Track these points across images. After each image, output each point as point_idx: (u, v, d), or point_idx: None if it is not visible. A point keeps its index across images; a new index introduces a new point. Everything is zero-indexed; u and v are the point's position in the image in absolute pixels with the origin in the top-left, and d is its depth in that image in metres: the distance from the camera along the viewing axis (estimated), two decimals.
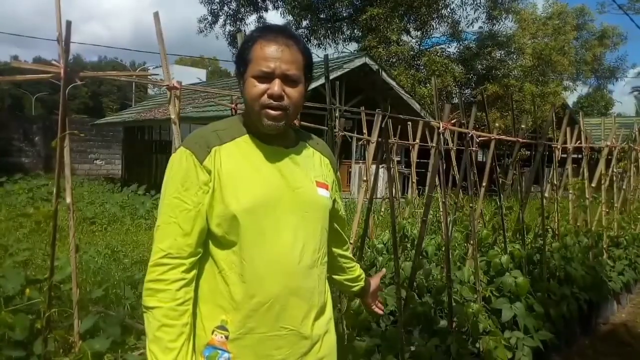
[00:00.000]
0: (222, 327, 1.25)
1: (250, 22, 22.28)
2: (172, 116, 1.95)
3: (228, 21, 21.81)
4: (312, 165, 1.40)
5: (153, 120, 14.53)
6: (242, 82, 1.31)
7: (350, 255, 1.68)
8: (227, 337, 1.24)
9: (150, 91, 31.63)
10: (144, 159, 16.02)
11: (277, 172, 1.30)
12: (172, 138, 2.07)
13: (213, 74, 51.34)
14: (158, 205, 1.29)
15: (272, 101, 1.25)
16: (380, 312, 1.83)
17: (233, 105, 2.33)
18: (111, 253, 6.01)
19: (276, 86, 1.25)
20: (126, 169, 17.56)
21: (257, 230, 1.25)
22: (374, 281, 1.77)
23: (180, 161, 1.25)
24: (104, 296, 3.48)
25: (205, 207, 1.24)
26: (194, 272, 1.26)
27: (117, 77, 2.17)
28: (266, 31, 1.30)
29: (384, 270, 1.98)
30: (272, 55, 1.25)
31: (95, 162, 20.48)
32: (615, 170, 6.26)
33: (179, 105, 1.96)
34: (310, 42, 20.58)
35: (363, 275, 1.71)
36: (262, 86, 1.26)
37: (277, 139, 1.33)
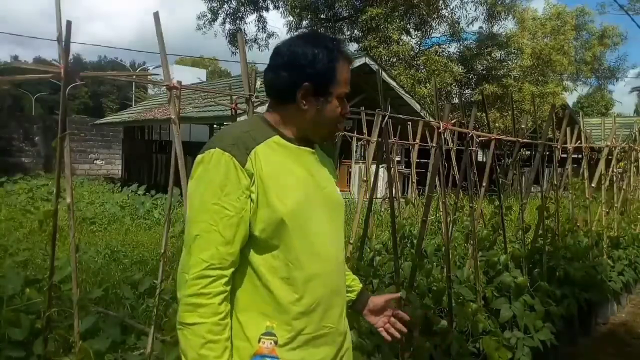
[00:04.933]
0: (269, 334, 1.22)
1: (250, 21, 22.30)
2: (172, 116, 1.95)
3: (228, 19, 21.79)
4: (329, 166, 1.44)
5: (153, 120, 14.52)
6: (323, 100, 1.29)
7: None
8: (275, 343, 1.22)
9: (150, 91, 31.58)
10: (144, 159, 16.01)
11: (307, 172, 1.31)
12: (172, 138, 2.07)
13: (213, 74, 51.34)
14: (182, 210, 1.23)
15: (342, 120, 1.36)
16: (389, 338, 1.54)
17: (233, 105, 2.33)
18: (111, 253, 6.00)
19: (347, 106, 1.34)
20: (126, 169, 17.55)
21: (301, 232, 1.24)
22: (377, 300, 1.55)
23: (218, 164, 1.19)
24: (104, 296, 3.47)
25: (249, 212, 1.20)
26: (231, 283, 1.22)
27: (117, 77, 2.18)
28: (344, 48, 1.33)
29: (398, 294, 1.72)
30: (349, 77, 1.33)
31: (95, 162, 20.47)
32: (615, 170, 6.26)
33: (179, 105, 1.97)
34: None
35: (357, 288, 1.56)
36: (340, 107, 1.33)
37: (302, 141, 1.35)
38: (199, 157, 1.23)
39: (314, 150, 1.37)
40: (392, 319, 1.54)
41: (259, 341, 1.21)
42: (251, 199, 1.20)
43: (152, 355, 2.06)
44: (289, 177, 1.26)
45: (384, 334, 1.54)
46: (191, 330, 1.15)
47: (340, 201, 1.41)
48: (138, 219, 8.92)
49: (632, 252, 5.77)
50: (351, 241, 3.71)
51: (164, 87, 1.93)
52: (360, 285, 1.58)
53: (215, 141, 1.24)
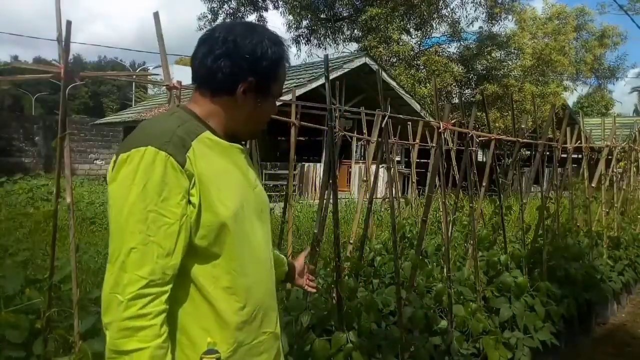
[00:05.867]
0: (212, 351, 1.10)
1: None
2: None
3: (228, 20, 21.82)
4: (250, 162, 1.34)
5: None
6: (262, 98, 1.22)
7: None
8: (219, 359, 1.11)
9: (150, 91, 31.61)
10: None
11: (239, 171, 1.23)
12: None
13: None
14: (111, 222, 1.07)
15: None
16: (313, 290, 1.71)
17: None
18: None
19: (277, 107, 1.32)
20: None
21: (242, 236, 1.16)
22: (299, 262, 1.65)
23: (152, 165, 1.04)
24: None
25: (190, 218, 1.08)
26: (169, 301, 1.08)
27: (117, 77, 2.18)
28: (286, 49, 1.26)
29: (307, 248, 1.86)
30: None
31: (95, 162, 20.46)
32: (615, 170, 6.27)
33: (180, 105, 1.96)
34: (311, 42, 20.62)
35: (285, 260, 1.61)
36: (274, 107, 1.30)
37: (229, 137, 1.25)
38: (122, 155, 1.06)
39: (243, 148, 1.28)
40: (308, 274, 1.66)
41: None
42: (191, 203, 1.08)
43: None
44: (226, 176, 1.16)
45: (309, 289, 1.68)
46: (130, 358, 1.00)
47: (267, 201, 1.33)
48: None
49: (632, 252, 5.77)
50: (351, 241, 3.71)
51: (164, 87, 1.93)
52: (285, 258, 1.61)
53: (143, 137, 1.08)
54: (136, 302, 1.00)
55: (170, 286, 1.06)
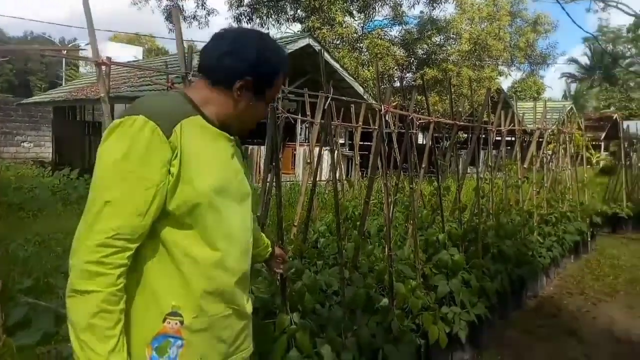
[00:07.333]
0: (175, 314, 1.21)
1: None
2: (102, 94, 1.84)
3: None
4: (240, 155, 1.43)
5: (85, 99, 13.80)
6: (257, 99, 1.33)
7: (258, 227, 1.76)
8: (181, 323, 1.21)
9: (82, 69, 29.90)
10: (76, 141, 15.20)
11: (225, 157, 1.32)
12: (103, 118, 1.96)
13: (150, 52, 49.31)
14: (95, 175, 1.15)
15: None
16: (281, 271, 1.94)
17: (169, 84, 2.24)
18: (42, 241, 5.69)
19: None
20: (57, 151, 16.61)
21: (216, 213, 1.24)
22: (276, 248, 1.87)
23: (140, 131, 1.13)
24: (34, 286, 3.30)
25: (167, 186, 1.16)
26: (132, 258, 1.16)
27: (42, 52, 2.02)
28: (286, 63, 1.38)
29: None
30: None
31: (22, 144, 19.21)
32: (545, 152, 6.62)
33: (109, 83, 1.85)
34: (253, 21, 20.14)
35: (269, 242, 1.79)
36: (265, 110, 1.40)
37: (222, 127, 1.35)
38: (116, 121, 1.16)
39: (232, 138, 1.37)
40: (277, 257, 1.84)
41: (164, 321, 1.20)
42: (170, 173, 1.17)
43: None
44: (210, 157, 1.25)
45: (279, 270, 1.90)
46: (84, 298, 1.09)
47: (249, 191, 1.42)
48: (71, 205, 8.48)
49: (560, 228, 6.15)
50: (295, 224, 3.71)
51: (92, 63, 1.81)
52: (269, 242, 1.78)
53: (137, 108, 1.18)
54: (100, 249, 1.09)
55: (135, 245, 1.14)
